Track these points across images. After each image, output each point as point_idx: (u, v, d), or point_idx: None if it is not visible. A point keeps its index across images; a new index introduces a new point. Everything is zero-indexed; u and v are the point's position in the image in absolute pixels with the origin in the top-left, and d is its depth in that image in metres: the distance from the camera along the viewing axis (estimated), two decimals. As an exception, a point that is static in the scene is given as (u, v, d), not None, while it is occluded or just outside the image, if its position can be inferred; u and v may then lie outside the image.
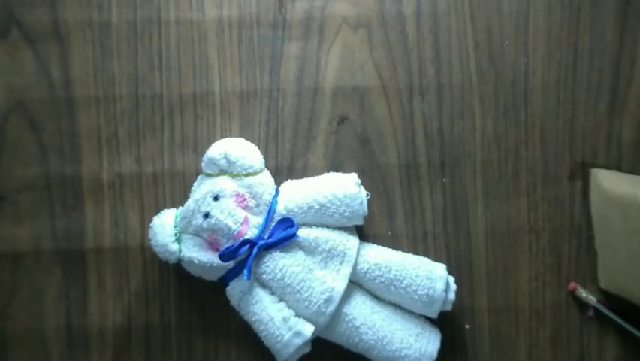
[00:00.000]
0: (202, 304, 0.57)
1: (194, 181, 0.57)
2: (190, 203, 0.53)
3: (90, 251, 0.57)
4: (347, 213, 0.53)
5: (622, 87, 0.58)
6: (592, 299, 0.58)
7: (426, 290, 0.53)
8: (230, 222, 0.52)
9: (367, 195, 0.55)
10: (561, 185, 0.59)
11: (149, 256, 0.57)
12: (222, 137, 0.58)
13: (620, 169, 0.58)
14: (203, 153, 0.57)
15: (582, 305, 0.59)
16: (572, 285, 0.58)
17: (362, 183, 0.55)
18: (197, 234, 0.53)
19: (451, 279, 0.55)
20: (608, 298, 0.58)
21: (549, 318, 0.59)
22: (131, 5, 0.58)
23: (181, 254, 0.53)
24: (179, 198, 0.57)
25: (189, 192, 0.57)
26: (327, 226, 0.54)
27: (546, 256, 0.59)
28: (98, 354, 0.57)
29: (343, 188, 0.54)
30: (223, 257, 0.52)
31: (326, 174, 0.56)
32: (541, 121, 0.59)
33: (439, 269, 0.54)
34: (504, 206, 0.59)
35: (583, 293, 0.58)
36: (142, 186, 0.57)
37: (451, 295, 0.54)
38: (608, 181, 0.56)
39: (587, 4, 0.58)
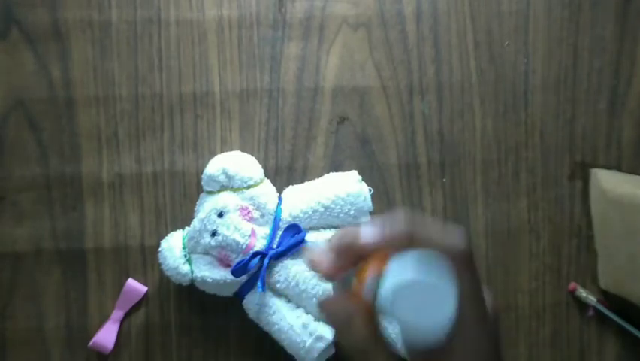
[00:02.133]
0: (202, 304, 0.57)
1: (194, 181, 0.57)
2: (195, 223, 0.53)
3: (90, 251, 0.57)
4: (352, 212, 0.53)
5: (622, 87, 0.58)
6: (592, 299, 0.58)
7: None
8: (237, 237, 0.52)
9: (370, 190, 0.55)
10: (561, 185, 0.59)
11: (149, 256, 0.57)
12: (222, 137, 0.58)
13: (620, 169, 0.58)
14: (203, 153, 0.57)
15: (582, 305, 0.59)
16: (572, 285, 0.58)
17: (362, 183, 0.55)
18: (206, 252, 0.53)
19: None
20: (608, 298, 0.58)
21: (549, 318, 0.59)
22: (131, 5, 0.57)
23: (193, 275, 0.53)
24: (179, 198, 0.57)
25: (189, 192, 0.57)
26: (335, 227, 0.54)
27: (546, 256, 0.59)
28: (97, 354, 0.57)
29: (345, 187, 0.54)
30: (235, 273, 0.52)
31: (326, 175, 0.56)
32: (541, 121, 0.59)
33: None
34: (504, 206, 0.59)
35: (583, 293, 0.58)
36: (142, 186, 0.57)
37: None
38: (608, 181, 0.56)
39: (587, 4, 0.58)
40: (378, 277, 0.30)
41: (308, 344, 0.51)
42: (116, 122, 0.57)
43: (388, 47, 0.58)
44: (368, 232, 0.31)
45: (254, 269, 0.52)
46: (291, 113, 0.58)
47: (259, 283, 0.52)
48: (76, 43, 0.57)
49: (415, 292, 0.28)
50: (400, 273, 0.29)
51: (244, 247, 0.52)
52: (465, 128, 0.59)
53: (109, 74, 0.57)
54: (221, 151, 0.57)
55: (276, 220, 0.54)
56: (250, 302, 0.54)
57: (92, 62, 0.57)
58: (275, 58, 0.58)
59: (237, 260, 0.52)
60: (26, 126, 0.57)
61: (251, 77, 0.58)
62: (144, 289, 0.56)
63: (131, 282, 0.56)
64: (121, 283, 0.57)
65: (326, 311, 0.32)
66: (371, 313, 0.31)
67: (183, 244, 0.54)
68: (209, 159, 0.57)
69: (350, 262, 0.32)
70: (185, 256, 0.53)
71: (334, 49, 0.58)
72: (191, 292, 0.57)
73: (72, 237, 0.57)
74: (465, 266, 0.29)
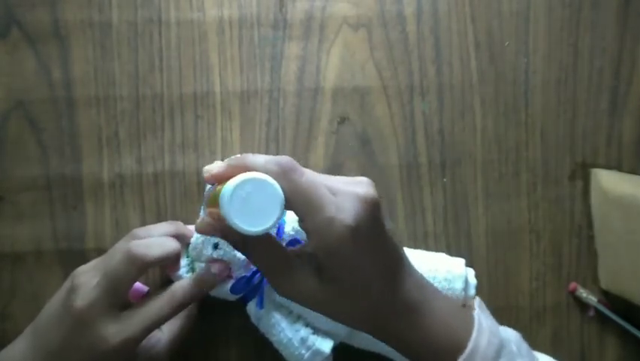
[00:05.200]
0: (202, 304, 0.56)
1: (194, 181, 0.57)
2: (198, 235, 0.53)
3: (91, 251, 0.57)
4: None
5: (622, 87, 0.58)
6: (592, 299, 0.58)
7: (444, 292, 0.52)
8: (238, 253, 0.52)
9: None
10: (561, 185, 0.59)
11: (149, 256, 0.57)
12: (223, 137, 0.58)
13: (620, 169, 0.58)
14: (203, 153, 0.57)
15: (583, 305, 0.59)
16: (572, 285, 0.58)
17: (363, 183, 0.55)
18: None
19: (471, 273, 0.55)
20: (609, 298, 0.58)
21: (549, 318, 0.59)
22: (132, 5, 0.57)
23: None
24: (180, 198, 0.57)
25: (190, 192, 0.57)
26: None
27: (546, 256, 0.59)
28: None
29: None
30: (234, 290, 0.52)
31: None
32: (541, 121, 0.59)
33: (457, 267, 0.54)
34: (504, 206, 0.59)
35: (583, 293, 0.58)
36: (142, 186, 0.57)
37: (471, 292, 0.54)
38: (608, 181, 0.56)
39: (588, 4, 0.58)
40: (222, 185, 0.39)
41: (305, 357, 0.52)
42: (117, 123, 0.57)
43: (389, 47, 0.58)
44: (212, 167, 0.41)
45: (255, 282, 0.52)
46: (291, 114, 0.58)
47: (257, 301, 0.52)
48: (77, 44, 0.57)
49: (247, 189, 0.37)
50: (236, 179, 0.37)
51: (245, 262, 0.52)
52: (465, 128, 0.59)
53: (109, 74, 0.57)
54: (222, 151, 0.57)
55: (279, 234, 0.53)
56: (252, 309, 0.54)
57: (93, 62, 0.57)
58: (275, 58, 0.58)
59: (239, 273, 0.52)
60: (26, 126, 0.57)
61: (251, 77, 0.58)
62: (145, 289, 0.56)
63: None
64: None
65: (198, 232, 0.42)
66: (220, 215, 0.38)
67: (187, 252, 0.54)
68: (210, 159, 0.57)
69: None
70: (189, 265, 0.53)
71: (335, 49, 0.58)
72: (191, 293, 0.56)
73: (73, 237, 0.57)
74: (284, 176, 0.38)
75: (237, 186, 0.36)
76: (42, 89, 0.57)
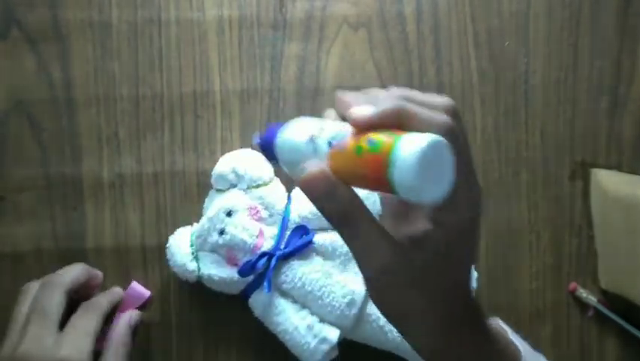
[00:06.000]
0: (203, 305, 0.57)
1: (194, 181, 0.57)
2: (204, 221, 0.53)
3: (90, 251, 0.57)
4: None
5: (622, 87, 0.58)
6: (592, 299, 0.58)
7: None
8: (245, 237, 0.52)
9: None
10: (561, 185, 0.59)
11: (149, 256, 0.57)
12: (223, 137, 0.58)
13: (620, 169, 0.58)
14: (203, 153, 0.57)
15: (582, 305, 0.59)
16: (572, 285, 0.58)
17: (363, 183, 0.55)
18: (214, 251, 0.53)
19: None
20: (609, 298, 0.58)
21: (549, 318, 0.59)
22: (132, 5, 0.57)
23: (200, 272, 0.53)
24: (180, 198, 0.57)
25: (189, 192, 0.57)
26: None
27: (546, 256, 0.59)
28: (98, 353, 0.57)
29: None
30: (242, 273, 0.52)
31: None
32: (541, 121, 0.59)
33: None
34: (504, 206, 0.59)
35: (583, 293, 0.58)
36: (142, 186, 0.57)
37: (472, 283, 0.55)
38: (608, 181, 0.56)
39: (588, 4, 0.58)
40: (387, 149, 0.31)
41: (312, 345, 0.51)
42: (117, 122, 0.57)
43: (389, 47, 0.58)
44: (359, 112, 0.34)
45: (261, 269, 0.52)
46: (291, 113, 0.58)
47: (265, 284, 0.52)
48: (77, 44, 0.57)
49: (427, 158, 0.30)
50: (421, 139, 0.30)
51: (252, 246, 0.52)
52: (465, 128, 0.58)
53: (109, 74, 0.57)
54: (222, 151, 0.57)
55: (285, 221, 0.54)
56: (256, 301, 0.53)
57: (93, 62, 0.57)
58: (275, 58, 0.58)
59: (244, 259, 0.52)
60: (26, 126, 0.57)
61: (251, 77, 0.58)
62: (147, 293, 0.56)
63: (134, 285, 0.56)
64: (121, 283, 0.57)
65: (306, 185, 0.34)
66: (367, 176, 0.32)
67: (191, 241, 0.54)
68: (210, 159, 0.57)
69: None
70: (193, 254, 0.53)
71: (335, 49, 0.58)
72: (192, 293, 0.57)
73: (73, 237, 0.57)
74: (451, 140, 0.32)
75: (427, 147, 0.30)
76: (42, 89, 0.57)
